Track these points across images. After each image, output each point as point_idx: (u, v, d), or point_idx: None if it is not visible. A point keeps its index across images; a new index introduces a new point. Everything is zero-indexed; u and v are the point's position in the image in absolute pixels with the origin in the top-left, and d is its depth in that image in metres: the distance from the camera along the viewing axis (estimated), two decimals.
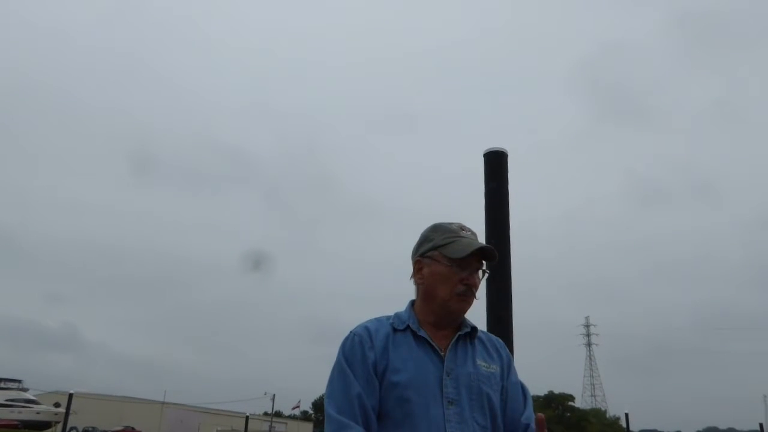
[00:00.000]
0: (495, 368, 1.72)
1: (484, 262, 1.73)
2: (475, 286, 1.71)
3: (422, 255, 1.75)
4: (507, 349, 1.84)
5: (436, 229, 1.76)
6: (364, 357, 1.63)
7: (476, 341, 1.75)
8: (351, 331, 1.71)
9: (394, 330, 1.70)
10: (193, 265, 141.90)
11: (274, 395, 55.74)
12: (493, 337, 1.85)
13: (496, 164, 3.17)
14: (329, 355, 1.70)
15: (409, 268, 1.79)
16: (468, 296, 1.69)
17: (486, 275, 1.75)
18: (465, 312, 1.72)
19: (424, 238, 1.78)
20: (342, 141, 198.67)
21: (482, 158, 3.23)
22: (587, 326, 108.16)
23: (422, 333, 1.68)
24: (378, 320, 1.75)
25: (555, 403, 76.77)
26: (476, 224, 3.00)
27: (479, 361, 1.70)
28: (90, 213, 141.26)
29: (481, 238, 3.03)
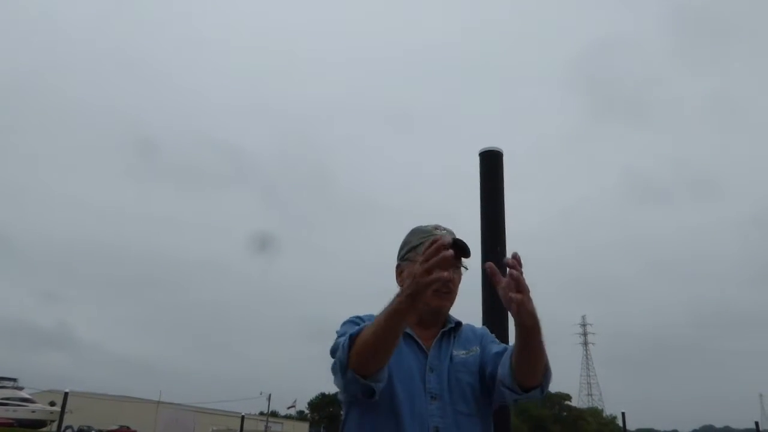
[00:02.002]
0: (475, 349, 1.76)
1: (462, 258, 1.75)
2: (452, 282, 1.72)
3: (402, 258, 1.81)
4: (484, 327, 1.89)
5: (414, 232, 1.82)
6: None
7: (459, 334, 1.79)
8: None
9: None
10: (190, 264, 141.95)
11: (270, 395, 55.54)
12: (477, 326, 1.89)
13: (491, 164, 3.19)
14: (325, 354, 1.71)
15: None
16: (445, 292, 1.72)
17: (466, 270, 1.77)
18: (445, 308, 1.76)
19: (404, 243, 1.84)
20: (340, 139, 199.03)
21: (478, 158, 3.24)
22: (583, 325, 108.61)
23: (408, 330, 1.73)
24: (368, 316, 1.77)
25: (551, 403, 76.89)
26: (472, 223, 3.03)
27: (457, 352, 1.74)
28: (87, 211, 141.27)
29: (477, 237, 3.05)
